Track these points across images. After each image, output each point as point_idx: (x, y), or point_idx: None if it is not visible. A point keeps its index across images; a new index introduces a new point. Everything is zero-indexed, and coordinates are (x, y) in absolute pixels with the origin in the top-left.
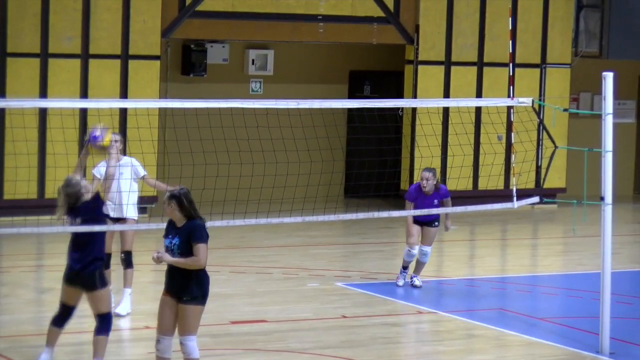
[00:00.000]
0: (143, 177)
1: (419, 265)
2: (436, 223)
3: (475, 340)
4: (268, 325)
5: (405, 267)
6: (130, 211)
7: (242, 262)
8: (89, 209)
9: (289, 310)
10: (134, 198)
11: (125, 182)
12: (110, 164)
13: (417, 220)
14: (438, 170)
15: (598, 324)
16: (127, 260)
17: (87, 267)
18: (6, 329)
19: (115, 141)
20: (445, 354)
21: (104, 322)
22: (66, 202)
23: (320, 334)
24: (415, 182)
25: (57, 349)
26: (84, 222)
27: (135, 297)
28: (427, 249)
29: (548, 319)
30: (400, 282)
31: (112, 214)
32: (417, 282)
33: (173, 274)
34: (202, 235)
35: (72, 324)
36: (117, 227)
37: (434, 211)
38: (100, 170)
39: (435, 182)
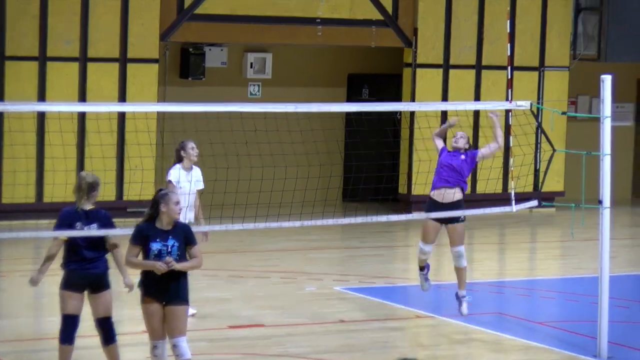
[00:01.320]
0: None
1: (459, 272)
2: (462, 217)
3: (474, 345)
4: (266, 329)
5: (422, 268)
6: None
7: (241, 266)
8: (106, 215)
9: (287, 314)
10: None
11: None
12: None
13: (438, 204)
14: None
15: (596, 328)
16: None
17: (100, 266)
18: (5, 333)
19: (193, 148)
20: (444, 358)
21: (111, 328)
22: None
23: (318, 339)
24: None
25: (53, 353)
26: (101, 226)
27: (133, 300)
28: (460, 249)
29: (546, 323)
30: (425, 287)
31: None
32: (464, 308)
33: (165, 278)
34: (195, 237)
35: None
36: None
37: (453, 214)
38: (176, 176)
39: (467, 147)
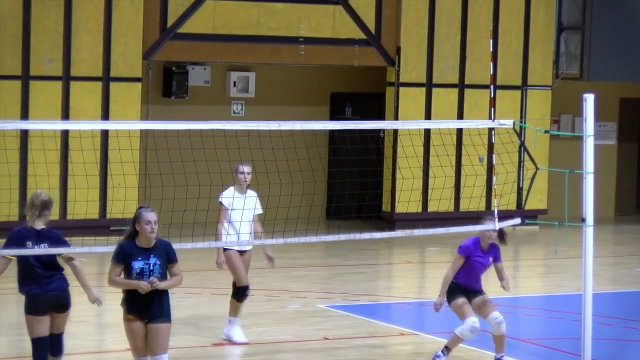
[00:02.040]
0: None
1: (501, 339)
2: (482, 290)
3: None
4: (250, 347)
5: (449, 348)
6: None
7: (224, 284)
8: (57, 235)
9: (271, 332)
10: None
11: (247, 213)
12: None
13: (464, 290)
14: (419, 192)
15: (580, 346)
16: (245, 294)
17: (60, 285)
18: None
19: (248, 173)
20: None
21: (61, 343)
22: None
23: (302, 356)
24: (471, 237)
25: None
26: (52, 245)
27: (116, 319)
28: (498, 313)
29: (530, 340)
30: None
31: (237, 247)
32: None
33: (147, 296)
34: (176, 254)
35: None
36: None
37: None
38: (228, 197)
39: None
